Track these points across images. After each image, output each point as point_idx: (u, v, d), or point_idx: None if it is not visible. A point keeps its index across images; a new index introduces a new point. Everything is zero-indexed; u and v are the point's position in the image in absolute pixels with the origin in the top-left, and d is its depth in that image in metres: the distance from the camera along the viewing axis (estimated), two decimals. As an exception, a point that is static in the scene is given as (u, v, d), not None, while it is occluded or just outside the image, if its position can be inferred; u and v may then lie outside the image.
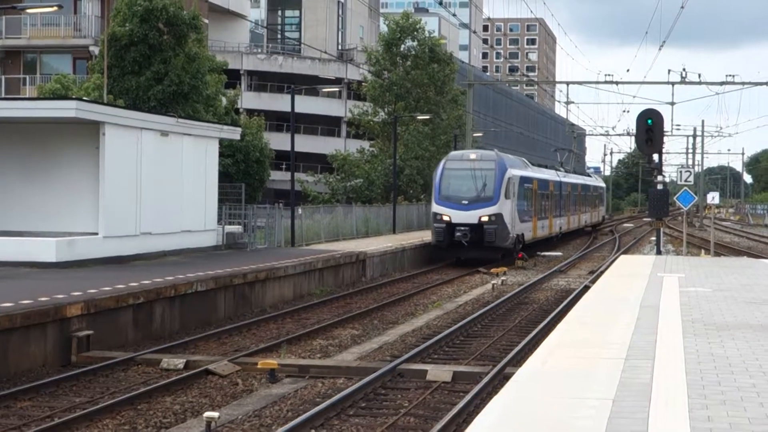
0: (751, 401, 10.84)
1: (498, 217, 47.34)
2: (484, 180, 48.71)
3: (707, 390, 11.41)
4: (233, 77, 75.92)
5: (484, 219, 47.07)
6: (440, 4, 55.74)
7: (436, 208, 48.81)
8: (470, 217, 47.04)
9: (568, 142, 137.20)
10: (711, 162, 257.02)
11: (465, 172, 49.76)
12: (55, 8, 35.63)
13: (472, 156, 51.28)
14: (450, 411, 15.24)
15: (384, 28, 78.52)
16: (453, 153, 54.18)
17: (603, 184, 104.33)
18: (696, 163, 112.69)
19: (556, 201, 66.36)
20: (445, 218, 47.22)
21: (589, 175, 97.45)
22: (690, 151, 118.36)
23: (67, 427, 14.76)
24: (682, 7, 48.47)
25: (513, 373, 13.62)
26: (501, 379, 16.72)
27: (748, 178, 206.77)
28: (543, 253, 57.16)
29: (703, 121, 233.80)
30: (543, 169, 66.36)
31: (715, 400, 10.86)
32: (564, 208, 70.02)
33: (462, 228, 46.33)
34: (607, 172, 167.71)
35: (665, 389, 11.41)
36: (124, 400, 16.57)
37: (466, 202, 47.75)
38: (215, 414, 15.03)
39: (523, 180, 54.09)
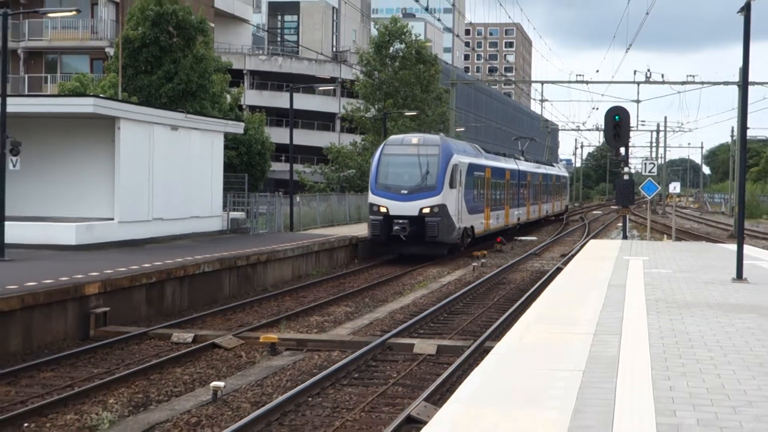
0: (708, 372, 10.89)
1: (441, 209, 38.51)
2: (427, 167, 39.42)
3: (669, 362, 11.46)
4: (237, 76, 75.71)
5: (426, 210, 38.15)
6: (426, 9, 52.55)
7: (372, 198, 39.44)
8: (410, 208, 38.12)
9: (542, 137, 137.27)
10: (673, 155, 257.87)
11: (405, 158, 40.31)
12: (74, 13, 35.31)
13: (414, 140, 41.32)
14: (435, 381, 15.26)
15: (374, 32, 78.44)
16: (393, 137, 42.91)
17: (566, 174, 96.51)
18: (659, 155, 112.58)
19: (515, 190, 58.01)
20: (383, 210, 38.15)
21: (552, 165, 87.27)
22: (654, 144, 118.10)
23: (86, 396, 14.75)
24: (647, 13, 48.77)
25: (492, 347, 13.66)
26: (481, 352, 16.71)
27: (706, 170, 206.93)
28: (519, 238, 56.78)
29: (665, 118, 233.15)
30: (500, 157, 57.20)
31: (676, 372, 10.90)
32: (523, 198, 61.51)
33: (400, 221, 37.55)
34: (578, 164, 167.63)
35: (631, 362, 11.45)
36: (138, 371, 16.56)
37: (405, 191, 38.45)
38: (221, 383, 15.08)
39: (473, 168, 44.94)
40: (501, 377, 10.72)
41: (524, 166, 63.47)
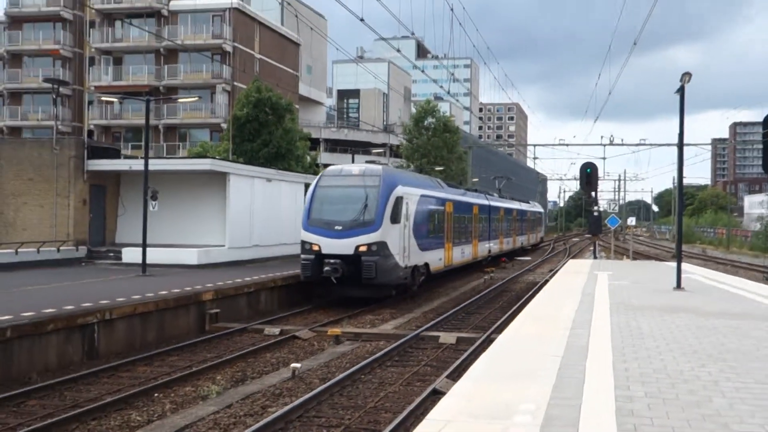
0: (654, 358, 10.64)
1: (380, 246, 25.02)
2: (365, 200, 25.86)
3: (625, 350, 11.23)
4: (315, 143, 76.01)
5: (363, 248, 25.11)
6: (448, 93, 52.53)
7: (304, 235, 25.85)
8: (345, 246, 25.05)
9: (535, 186, 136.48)
10: (631, 197, 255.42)
11: (342, 190, 26.58)
12: (196, 99, 35.88)
13: (354, 171, 27.45)
14: (453, 363, 15.05)
15: (413, 110, 78.54)
16: (331, 168, 28.79)
17: (541, 210, 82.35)
18: (621, 198, 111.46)
19: (485, 224, 43.28)
20: (315, 248, 25.41)
21: (528, 202, 72.74)
22: (617, 190, 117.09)
23: (201, 374, 14.71)
24: (610, 93, 48.53)
25: (496, 338, 13.46)
26: (489, 342, 16.45)
27: (655, 208, 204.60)
28: (518, 258, 56.15)
29: (625, 170, 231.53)
30: (467, 192, 41.98)
31: (630, 357, 10.67)
32: (495, 231, 47.08)
33: (332, 260, 24.72)
34: (561, 204, 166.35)
35: (597, 350, 11.23)
36: (239, 355, 16.48)
37: (340, 227, 25.36)
38: (298, 365, 14.99)
39: (427, 201, 30.26)
40: (501, 361, 10.52)
41: (496, 202, 49.83)
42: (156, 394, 13.02)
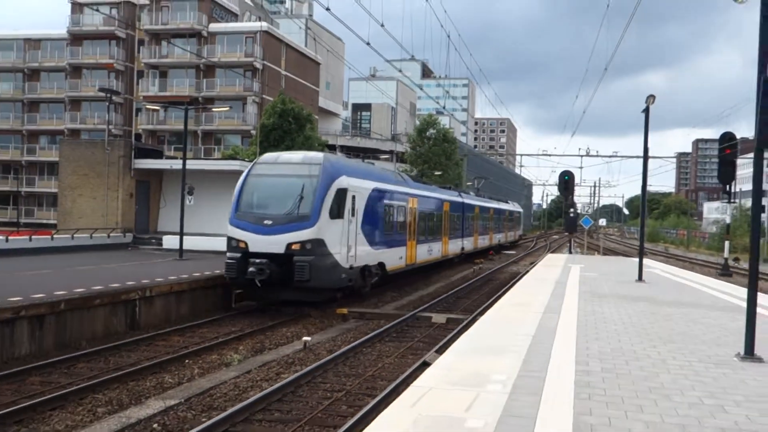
0: (612, 339, 10.67)
1: (316, 244, 19.13)
2: (300, 192, 19.76)
3: (588, 331, 11.25)
4: (332, 149, 76.05)
5: (295, 246, 19.15)
6: (444, 108, 52.03)
7: (230, 230, 20.07)
8: (274, 243, 19.22)
9: (521, 189, 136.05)
10: (605, 201, 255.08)
11: (275, 180, 20.55)
12: (228, 109, 36.42)
13: (293, 159, 21.19)
14: (442, 340, 15.11)
15: (417, 122, 78.51)
16: (266, 155, 22.88)
17: (520, 210, 73.70)
18: (595, 202, 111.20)
19: (457, 221, 36.55)
20: (241, 245, 19.63)
21: (507, 202, 64.87)
22: (592, 194, 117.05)
23: (226, 344, 14.82)
24: (584, 112, 49.12)
25: (479, 319, 13.51)
26: (474, 323, 16.52)
27: (626, 211, 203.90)
28: (505, 251, 56.00)
29: (599, 178, 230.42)
30: (437, 188, 35.36)
31: (592, 337, 10.70)
32: (469, 229, 40.21)
33: (258, 261, 18.94)
34: (545, 206, 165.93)
35: (564, 330, 11.26)
36: (258, 329, 16.59)
37: (269, 222, 19.50)
38: (309, 338, 15.07)
39: (383, 195, 23.90)
40: (480, 338, 10.58)
41: (471, 200, 42.44)
42: (187, 361, 13.14)
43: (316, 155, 20.76)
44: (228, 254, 19.27)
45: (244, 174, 20.66)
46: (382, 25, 21.02)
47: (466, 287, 27.00)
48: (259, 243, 18.89)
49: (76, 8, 71.13)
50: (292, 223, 18.88)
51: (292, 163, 20.28)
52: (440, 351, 13.45)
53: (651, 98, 18.96)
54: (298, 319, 18.45)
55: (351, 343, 14.89)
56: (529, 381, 7.76)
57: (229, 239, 19.40)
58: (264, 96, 64.84)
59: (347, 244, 19.82)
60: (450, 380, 7.77)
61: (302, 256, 18.56)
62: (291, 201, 19.24)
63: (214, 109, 54.34)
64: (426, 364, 12.18)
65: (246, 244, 19.01)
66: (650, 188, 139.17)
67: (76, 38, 72.25)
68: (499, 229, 53.78)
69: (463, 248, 38.40)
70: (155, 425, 9.37)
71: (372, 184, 22.58)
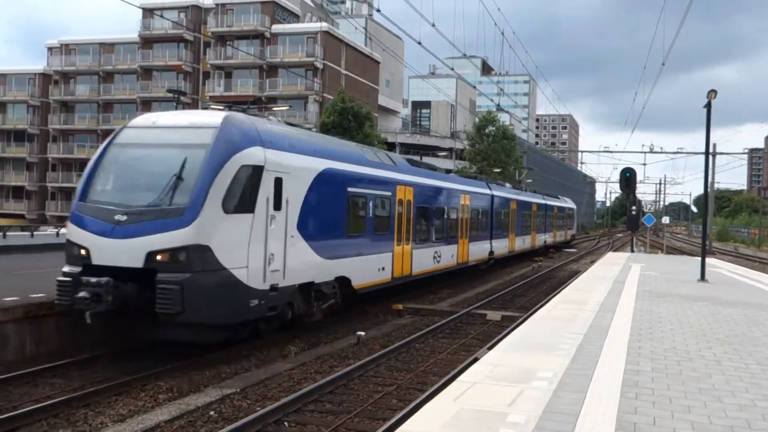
0: (666, 339, 10.47)
1: (196, 253, 11.02)
2: (179, 170, 11.44)
3: (642, 331, 11.05)
4: (391, 147, 76.26)
5: (161, 257, 10.93)
6: (498, 106, 50.97)
7: (69, 229, 11.87)
8: (125, 251, 11.04)
9: (583, 187, 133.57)
10: (672, 199, 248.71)
11: (146, 152, 12.19)
12: (288, 107, 37.20)
13: (179, 121, 12.71)
14: (495, 337, 15.03)
15: (476, 120, 78.04)
16: (142, 117, 13.59)
17: (573, 206, 62.88)
18: (661, 199, 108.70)
19: (484, 219, 29.20)
20: (82, 253, 11.36)
21: (557, 197, 56.09)
22: (657, 192, 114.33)
23: (285, 340, 14.97)
24: (643, 108, 48.10)
25: (531, 317, 13.40)
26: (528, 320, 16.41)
27: (694, 209, 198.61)
28: (565, 250, 55.13)
29: (664, 175, 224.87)
30: (450, 177, 26.94)
31: (645, 337, 10.52)
32: (503, 228, 32.94)
33: (95, 280, 10.89)
34: (608, 204, 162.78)
35: (617, 329, 11.10)
36: (316, 324, 16.73)
37: (123, 218, 11.13)
38: (363, 333, 15.19)
39: (344, 180, 15.92)
40: (530, 335, 10.52)
41: (506, 192, 34.69)
42: (244, 352, 13.41)
43: (213, 117, 12.59)
44: (64, 269, 11.87)
45: (103, 143, 13.06)
46: (433, 25, 20.97)
47: (524, 285, 26.76)
48: (105, 251, 11.44)
49: (147, 13, 73.18)
50: (158, 220, 11.34)
51: (175, 126, 12.63)
52: (493, 348, 13.39)
53: (712, 93, 18.45)
54: (354, 315, 18.60)
55: (404, 339, 14.95)
56: (575, 378, 7.69)
57: (68, 244, 12.01)
58: (324, 95, 65.48)
59: (265, 253, 12.28)
60: (495, 376, 7.76)
61: (170, 273, 11.11)
62: (161, 185, 11.67)
63: (274, 108, 55.16)
64: (477, 361, 12.15)
65: (87, 251, 11.60)
66: (720, 185, 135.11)
67: (147, 42, 74.46)
68: (544, 228, 45.86)
69: (492, 252, 30.64)
70: (212, 412, 9.64)
71: (321, 164, 14.65)
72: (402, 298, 20.93)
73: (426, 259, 21.75)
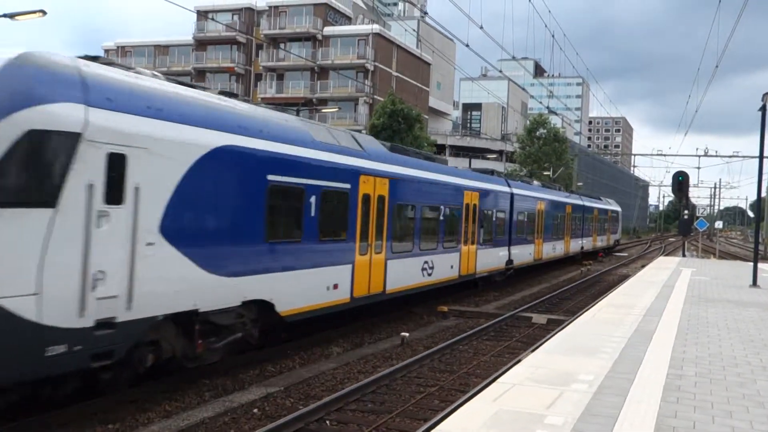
0: (712, 344, 10.31)
1: None
2: None
3: (688, 336, 10.90)
4: (441, 149, 76.23)
5: None
6: (547, 109, 49.95)
7: None
8: None
9: (635, 190, 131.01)
10: (727, 203, 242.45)
11: None
12: (337, 109, 37.70)
13: None
14: (540, 340, 14.93)
15: (527, 122, 77.48)
16: None
17: (617, 209, 55.58)
18: (715, 204, 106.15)
19: (496, 221, 24.29)
20: None
21: (599, 199, 50.36)
22: (712, 196, 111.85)
23: (329, 340, 15.12)
24: (696, 111, 46.80)
25: (576, 320, 13.30)
26: (574, 324, 16.27)
27: (750, 214, 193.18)
28: (616, 254, 54.15)
29: (719, 179, 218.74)
30: (451, 169, 21.47)
31: (690, 342, 10.38)
32: (525, 231, 27.99)
33: None
34: (661, 208, 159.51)
35: (662, 335, 10.97)
36: (360, 325, 16.85)
37: None
38: (407, 334, 15.25)
39: (266, 165, 11.19)
40: (573, 338, 10.47)
41: (530, 190, 29.68)
42: (288, 351, 13.61)
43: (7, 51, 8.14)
44: None
45: None
46: (481, 27, 20.93)
47: (571, 288, 26.46)
48: None
49: (201, 16, 74.62)
50: None
51: None
52: (536, 351, 13.34)
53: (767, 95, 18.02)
54: (398, 316, 18.67)
55: (448, 340, 14.97)
56: (616, 382, 7.66)
57: None
58: (375, 96, 65.79)
59: (83, 270, 8.17)
60: (536, 378, 7.77)
61: None
62: None
63: (324, 110, 55.79)
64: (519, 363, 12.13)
65: None
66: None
67: (201, 44, 75.90)
68: (581, 232, 39.74)
69: (510, 261, 26.02)
70: (255, 410, 9.85)
71: (216, 139, 10.34)
72: (447, 300, 20.93)
73: (409, 271, 17.30)
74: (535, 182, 34.40)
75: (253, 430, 8.73)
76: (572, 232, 37.24)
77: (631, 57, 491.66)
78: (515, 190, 26.76)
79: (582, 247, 40.28)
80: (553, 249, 32.94)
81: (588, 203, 42.47)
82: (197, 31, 75.96)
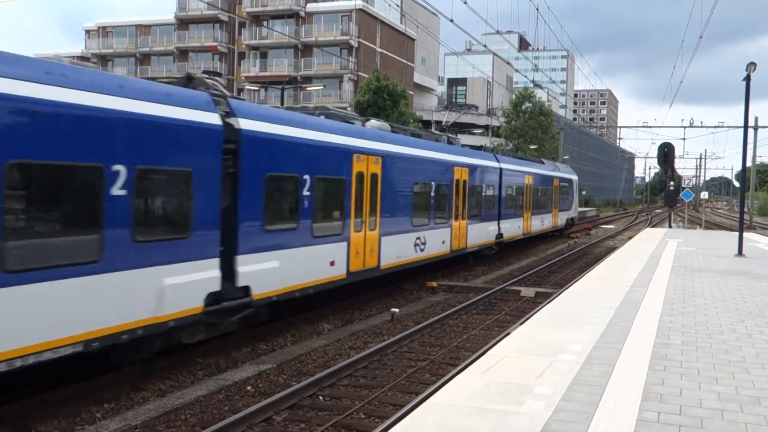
0: (698, 313, 10.48)
1: None
2: None
3: (675, 306, 11.07)
4: (426, 125, 75.98)
5: None
6: (532, 82, 49.79)
7: None
8: None
9: (621, 163, 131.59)
10: (713, 174, 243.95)
11: None
12: (322, 87, 37.51)
13: None
14: (528, 313, 15.08)
15: (513, 96, 77.45)
16: None
17: (570, 176, 41.05)
18: (701, 174, 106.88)
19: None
20: None
21: (541, 162, 36.09)
22: (698, 167, 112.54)
23: (320, 317, 15.22)
24: (681, 82, 46.64)
25: (564, 292, 13.44)
26: (562, 297, 16.43)
27: (736, 183, 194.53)
28: (602, 226, 54.42)
29: (705, 150, 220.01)
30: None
31: (677, 311, 10.54)
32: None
33: None
34: (647, 179, 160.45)
35: (649, 304, 11.13)
36: (351, 302, 16.95)
37: None
38: (397, 310, 15.38)
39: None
40: (561, 310, 10.60)
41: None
42: (280, 329, 13.68)
43: None
44: None
45: None
46: (465, 2, 20.87)
47: (558, 261, 26.63)
48: None
49: (182, -6, 73.78)
50: None
51: None
52: (524, 323, 13.50)
53: (752, 66, 18.13)
54: (388, 292, 18.77)
55: (438, 315, 15.10)
56: (604, 352, 7.79)
57: None
58: (360, 73, 65.46)
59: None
60: (525, 349, 7.90)
61: None
62: None
63: (309, 88, 55.52)
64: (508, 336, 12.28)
65: None
66: (762, 159, 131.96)
67: (183, 23, 75.12)
68: (509, 211, 27.09)
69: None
70: (249, 387, 9.95)
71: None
72: (436, 276, 21.06)
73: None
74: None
75: (247, 407, 8.82)
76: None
77: (618, 28, 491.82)
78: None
79: (504, 234, 26.54)
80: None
81: (536, 170, 32.05)
82: (179, 10, 75.13)
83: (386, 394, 9.68)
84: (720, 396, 6.29)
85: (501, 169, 26.00)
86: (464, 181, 21.58)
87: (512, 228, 27.41)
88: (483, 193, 23.80)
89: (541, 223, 32.29)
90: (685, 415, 5.72)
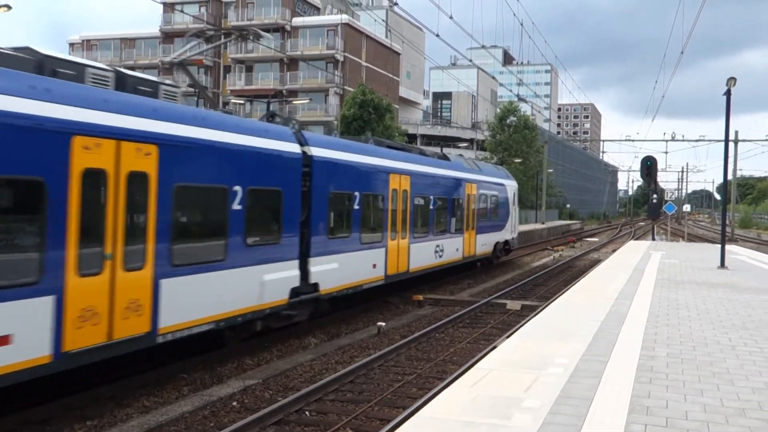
0: (683, 325, 10.53)
1: None
2: None
3: (659, 318, 11.12)
4: (412, 138, 76.30)
5: None
6: (517, 96, 50.40)
7: None
8: None
9: (604, 176, 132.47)
10: (695, 187, 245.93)
11: None
12: (308, 101, 37.44)
13: None
14: (515, 326, 15.10)
15: (498, 110, 77.91)
16: None
17: (508, 183, 28.53)
18: (683, 187, 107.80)
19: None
20: None
21: (446, 160, 22.67)
22: (680, 180, 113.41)
23: (306, 331, 15.16)
24: (663, 96, 47.13)
25: (550, 305, 13.46)
26: (548, 309, 16.46)
27: (717, 196, 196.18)
28: (587, 239, 54.71)
29: (687, 163, 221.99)
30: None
31: (662, 323, 10.59)
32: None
33: None
34: (630, 192, 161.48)
35: (634, 316, 11.18)
36: (336, 316, 16.90)
37: None
38: (383, 323, 15.35)
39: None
40: (547, 323, 10.62)
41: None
42: (266, 344, 13.61)
43: None
44: None
45: None
46: (451, 17, 21.02)
47: (544, 274, 26.72)
48: None
49: (168, 8, 73.75)
50: None
51: None
52: (511, 336, 13.50)
53: (732, 81, 18.34)
54: (374, 306, 18.74)
55: (424, 329, 15.08)
56: (591, 365, 7.80)
57: None
58: (345, 87, 65.65)
59: None
60: (512, 363, 7.89)
61: None
62: None
63: (294, 101, 55.62)
64: (495, 349, 12.28)
65: None
66: (743, 173, 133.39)
67: (168, 36, 75.02)
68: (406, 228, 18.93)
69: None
70: (234, 403, 9.86)
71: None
72: (422, 289, 21.05)
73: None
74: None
75: (233, 423, 8.75)
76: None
77: (601, 42, 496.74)
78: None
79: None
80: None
81: (448, 173, 22.04)
82: (164, 24, 75.10)
83: (373, 408, 9.64)
84: (706, 408, 6.31)
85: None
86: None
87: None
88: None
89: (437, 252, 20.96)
90: (672, 427, 5.74)
